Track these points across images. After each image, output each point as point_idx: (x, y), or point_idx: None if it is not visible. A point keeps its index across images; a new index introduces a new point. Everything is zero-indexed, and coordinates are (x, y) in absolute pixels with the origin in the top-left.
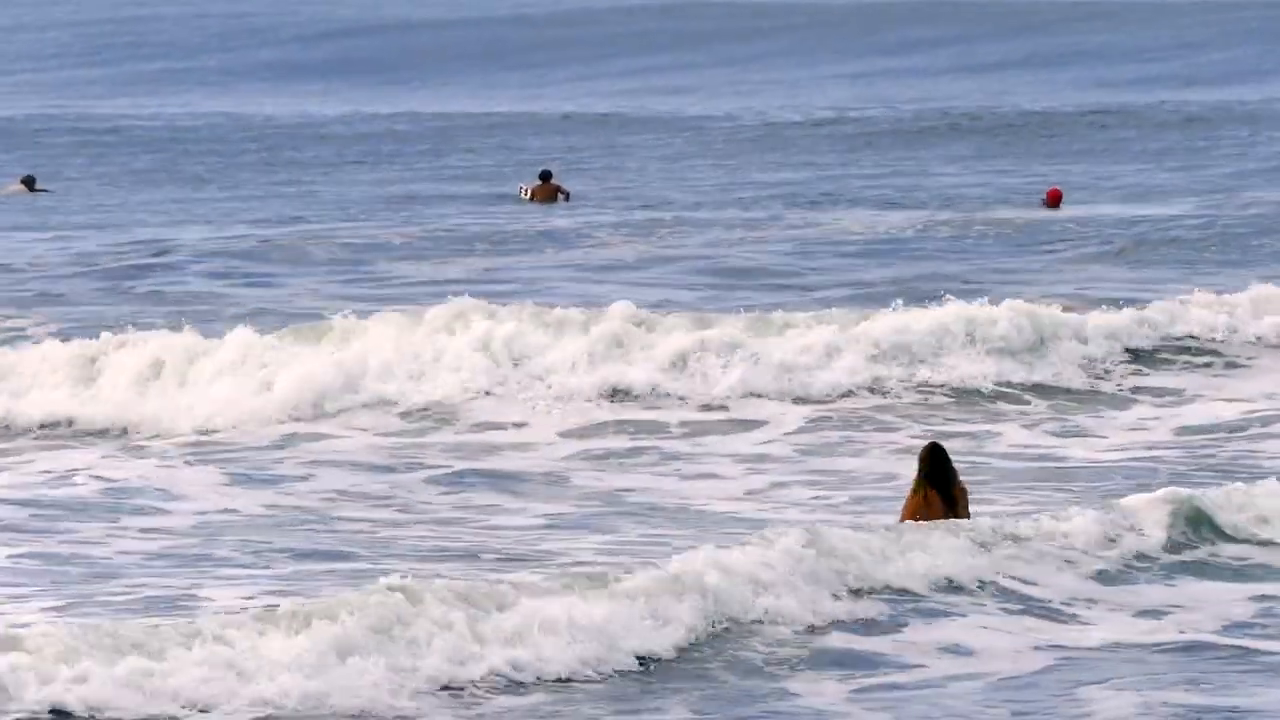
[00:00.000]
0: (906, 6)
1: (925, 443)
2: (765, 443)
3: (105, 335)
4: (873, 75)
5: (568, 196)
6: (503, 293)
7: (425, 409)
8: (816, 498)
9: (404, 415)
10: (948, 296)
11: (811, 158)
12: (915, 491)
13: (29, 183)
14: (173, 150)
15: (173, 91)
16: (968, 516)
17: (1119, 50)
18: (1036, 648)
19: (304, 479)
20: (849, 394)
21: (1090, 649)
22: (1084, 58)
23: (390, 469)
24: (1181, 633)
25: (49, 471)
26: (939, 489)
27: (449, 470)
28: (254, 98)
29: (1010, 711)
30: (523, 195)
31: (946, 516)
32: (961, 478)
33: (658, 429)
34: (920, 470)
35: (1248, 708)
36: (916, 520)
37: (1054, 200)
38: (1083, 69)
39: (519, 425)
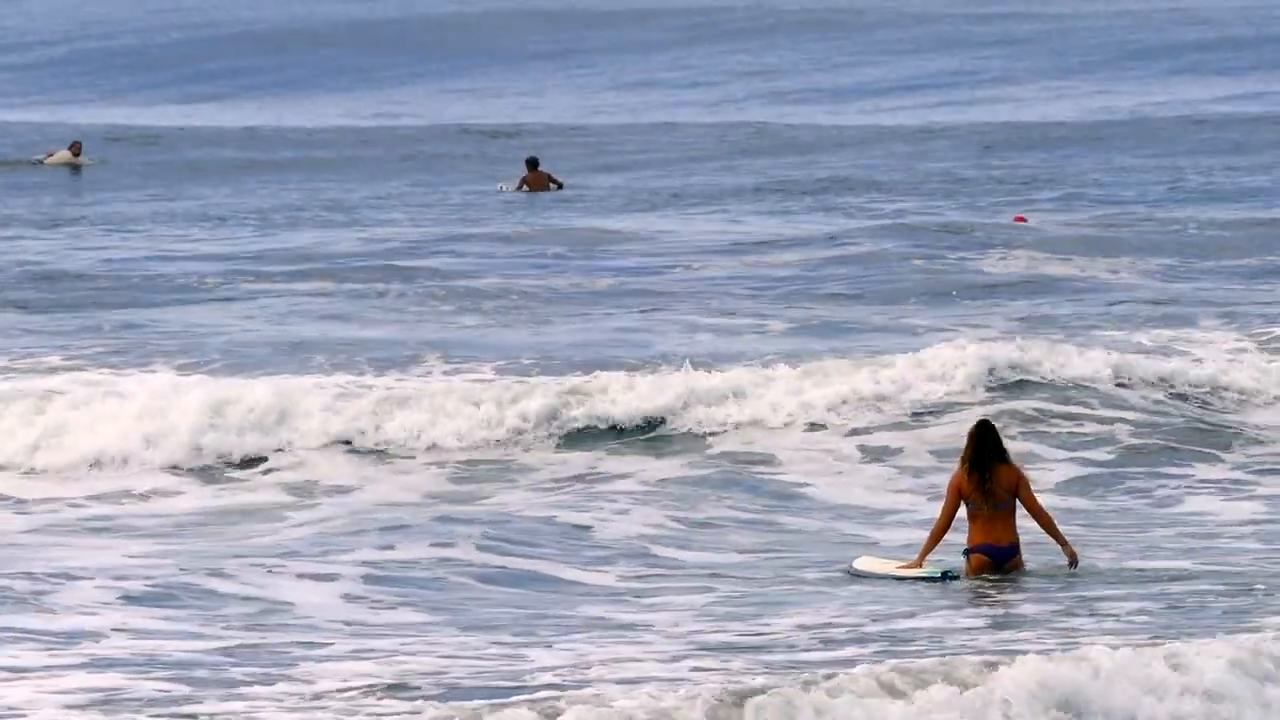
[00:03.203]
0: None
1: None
2: None
3: None
4: None
5: (560, 186)
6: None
7: None
8: None
9: None
10: None
11: None
12: (960, 470)
13: (75, 150)
14: None
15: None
16: (1030, 497)
17: None
18: None
19: None
20: None
21: None
22: None
23: None
24: None
25: None
26: (979, 471)
27: None
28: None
29: None
30: (504, 190)
31: (987, 499)
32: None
33: None
34: (965, 450)
35: None
36: (961, 500)
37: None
38: None
39: None
